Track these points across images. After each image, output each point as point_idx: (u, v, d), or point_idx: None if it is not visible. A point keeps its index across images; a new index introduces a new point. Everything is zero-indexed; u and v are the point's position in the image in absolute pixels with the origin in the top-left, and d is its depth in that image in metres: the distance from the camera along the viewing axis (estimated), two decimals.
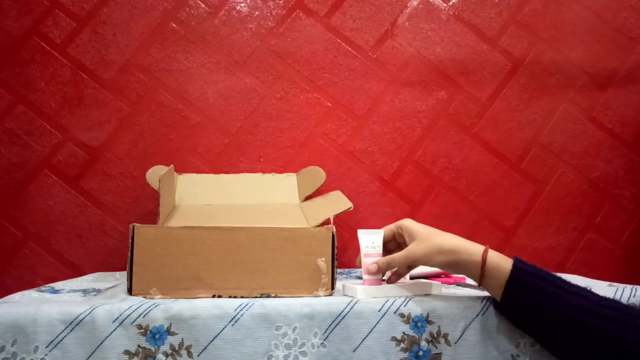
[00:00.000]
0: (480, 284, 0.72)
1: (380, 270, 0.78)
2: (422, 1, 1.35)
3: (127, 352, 0.67)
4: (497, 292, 0.70)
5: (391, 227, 0.80)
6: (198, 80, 1.29)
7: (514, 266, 0.68)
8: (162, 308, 0.69)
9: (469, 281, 0.94)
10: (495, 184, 1.32)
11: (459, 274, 0.75)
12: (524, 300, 0.67)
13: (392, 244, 0.81)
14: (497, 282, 0.69)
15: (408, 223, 0.77)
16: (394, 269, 0.79)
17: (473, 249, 0.72)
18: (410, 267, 0.80)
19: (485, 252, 0.70)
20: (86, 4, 1.28)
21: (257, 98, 1.30)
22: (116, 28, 1.28)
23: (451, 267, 0.73)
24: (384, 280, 0.81)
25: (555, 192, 1.33)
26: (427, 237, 0.74)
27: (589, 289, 0.68)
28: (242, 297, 0.76)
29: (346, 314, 0.70)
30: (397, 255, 0.76)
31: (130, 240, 0.76)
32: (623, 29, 1.38)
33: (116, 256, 1.23)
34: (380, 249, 0.79)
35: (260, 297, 0.76)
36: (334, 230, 0.79)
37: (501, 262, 0.70)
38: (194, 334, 0.68)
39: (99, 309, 0.68)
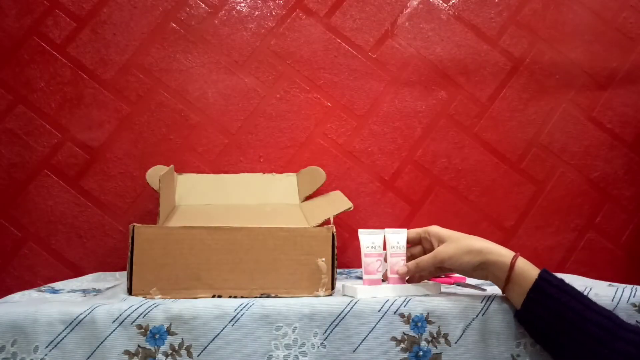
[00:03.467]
0: (504, 291, 0.72)
1: (409, 273, 0.78)
2: (422, 1, 1.35)
3: (127, 352, 0.67)
4: (518, 300, 0.69)
5: (418, 231, 0.80)
6: (198, 80, 1.29)
7: (540, 276, 0.68)
8: (162, 308, 0.69)
9: (469, 281, 0.94)
10: (496, 183, 1.32)
11: (484, 278, 0.75)
12: (544, 311, 0.67)
13: (417, 249, 0.81)
14: (520, 289, 0.69)
15: (436, 228, 0.78)
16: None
17: (503, 252, 0.72)
18: (438, 269, 0.79)
19: (515, 257, 0.71)
20: (86, 3, 1.28)
21: (257, 98, 1.30)
22: (116, 28, 1.28)
23: (479, 268, 0.73)
24: (383, 280, 0.81)
25: (555, 192, 1.33)
26: (456, 239, 0.75)
27: (611, 310, 0.67)
28: (242, 297, 0.76)
29: (346, 314, 0.70)
30: (426, 257, 0.76)
31: (130, 240, 0.76)
32: (623, 28, 1.38)
33: (116, 256, 1.23)
34: (380, 249, 0.79)
35: (260, 297, 0.76)
36: (334, 230, 0.79)
37: (529, 269, 0.70)
38: (193, 334, 0.68)
39: (99, 309, 0.68)
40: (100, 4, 1.28)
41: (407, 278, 0.80)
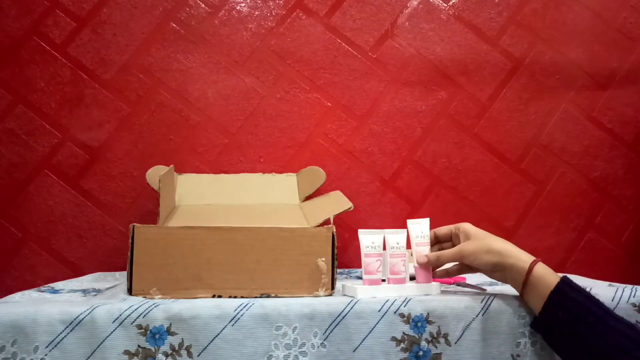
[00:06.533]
0: (522, 294, 0.72)
1: (429, 264, 0.79)
2: (422, 1, 1.35)
3: (127, 352, 0.67)
4: (537, 304, 0.69)
5: (450, 227, 0.82)
6: (198, 80, 1.29)
7: (562, 280, 0.67)
8: (162, 308, 0.69)
9: (469, 281, 0.94)
10: (495, 184, 1.32)
11: (503, 280, 0.75)
12: (565, 314, 0.65)
13: (448, 245, 0.83)
14: (539, 293, 0.68)
15: (467, 225, 0.79)
16: (445, 266, 0.82)
17: (522, 256, 0.72)
18: (465, 268, 0.80)
19: (534, 262, 0.70)
20: (86, 3, 1.28)
21: (257, 98, 1.30)
22: (116, 28, 1.28)
23: (497, 269, 0.73)
24: (383, 280, 0.81)
25: (555, 192, 1.33)
26: (480, 237, 0.76)
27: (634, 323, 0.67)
28: (242, 297, 0.76)
29: (346, 314, 0.70)
30: (449, 251, 0.78)
31: (130, 240, 0.76)
32: (623, 29, 1.38)
33: (116, 256, 1.23)
34: (380, 249, 0.80)
35: (260, 297, 0.76)
36: (334, 230, 0.79)
37: (549, 274, 0.69)
38: (194, 334, 0.68)
39: (99, 309, 0.68)
40: (100, 4, 1.28)
41: (433, 275, 0.81)
